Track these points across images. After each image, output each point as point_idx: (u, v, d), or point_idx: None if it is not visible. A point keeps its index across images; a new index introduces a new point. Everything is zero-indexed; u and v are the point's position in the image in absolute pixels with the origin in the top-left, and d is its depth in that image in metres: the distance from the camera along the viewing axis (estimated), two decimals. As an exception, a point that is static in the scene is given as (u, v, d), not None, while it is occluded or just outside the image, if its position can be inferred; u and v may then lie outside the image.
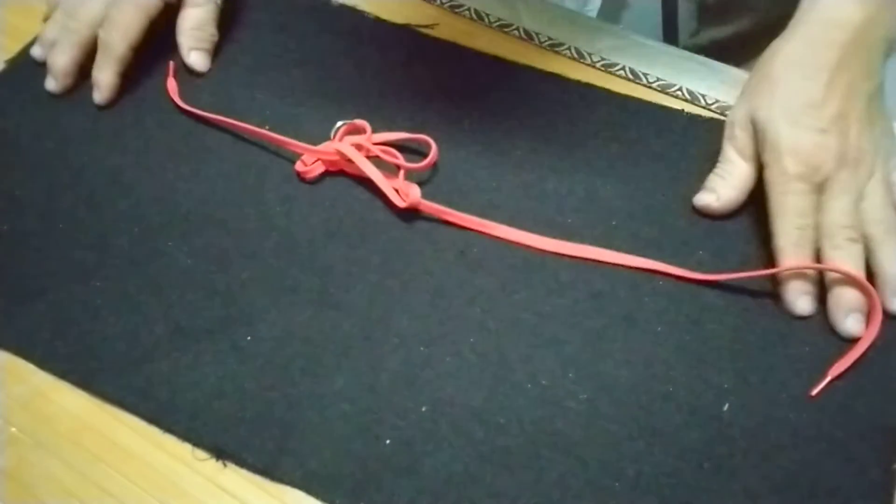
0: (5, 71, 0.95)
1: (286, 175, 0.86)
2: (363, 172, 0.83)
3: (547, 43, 0.95)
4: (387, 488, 0.69)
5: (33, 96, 0.92)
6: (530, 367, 0.74)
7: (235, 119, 0.88)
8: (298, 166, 0.84)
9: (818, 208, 0.77)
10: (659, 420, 0.71)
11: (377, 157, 0.83)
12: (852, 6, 0.78)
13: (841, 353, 0.74)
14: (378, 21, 0.98)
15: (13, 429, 0.73)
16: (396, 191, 0.82)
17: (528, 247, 0.80)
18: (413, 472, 0.69)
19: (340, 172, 0.85)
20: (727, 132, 0.83)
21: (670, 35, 1.15)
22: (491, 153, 0.86)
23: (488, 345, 0.75)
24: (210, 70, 0.94)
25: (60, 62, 0.90)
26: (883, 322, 0.74)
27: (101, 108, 0.90)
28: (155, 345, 0.76)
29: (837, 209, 0.76)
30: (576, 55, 0.94)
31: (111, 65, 0.89)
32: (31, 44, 0.96)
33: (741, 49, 1.02)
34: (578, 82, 0.92)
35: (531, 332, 0.76)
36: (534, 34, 0.96)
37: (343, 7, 0.99)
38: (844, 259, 0.75)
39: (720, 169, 0.82)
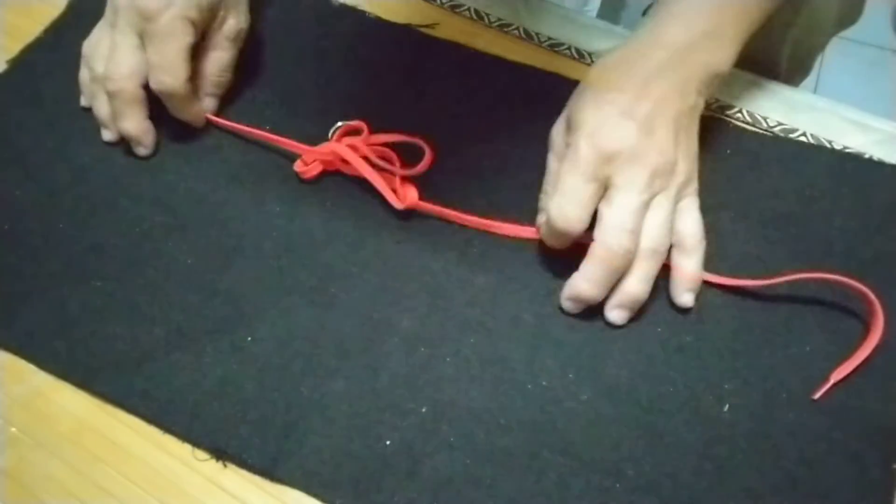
0: (6, 71, 0.95)
1: (286, 175, 0.86)
2: (360, 173, 0.83)
3: (547, 43, 0.95)
4: (387, 489, 0.69)
5: (33, 96, 0.92)
6: (530, 367, 0.74)
7: (234, 119, 0.88)
8: (297, 166, 0.85)
9: (604, 202, 0.76)
10: (659, 420, 0.71)
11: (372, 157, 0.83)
12: (676, 29, 0.79)
13: (841, 354, 0.74)
14: (378, 21, 0.97)
15: (13, 429, 0.73)
16: (394, 191, 0.82)
17: (529, 240, 0.81)
18: (413, 472, 0.70)
19: (338, 172, 0.85)
20: (549, 144, 0.84)
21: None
22: (491, 153, 0.86)
23: (488, 345, 0.75)
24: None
25: (132, 127, 0.86)
26: (884, 325, 0.74)
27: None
28: (155, 345, 0.76)
29: (622, 206, 0.74)
30: (576, 55, 0.94)
31: (189, 103, 0.87)
32: (32, 44, 0.97)
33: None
34: (578, 82, 0.91)
35: (531, 332, 0.76)
36: (534, 34, 0.96)
37: (343, 7, 0.98)
38: (603, 261, 0.75)
39: (544, 184, 0.82)
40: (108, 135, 0.89)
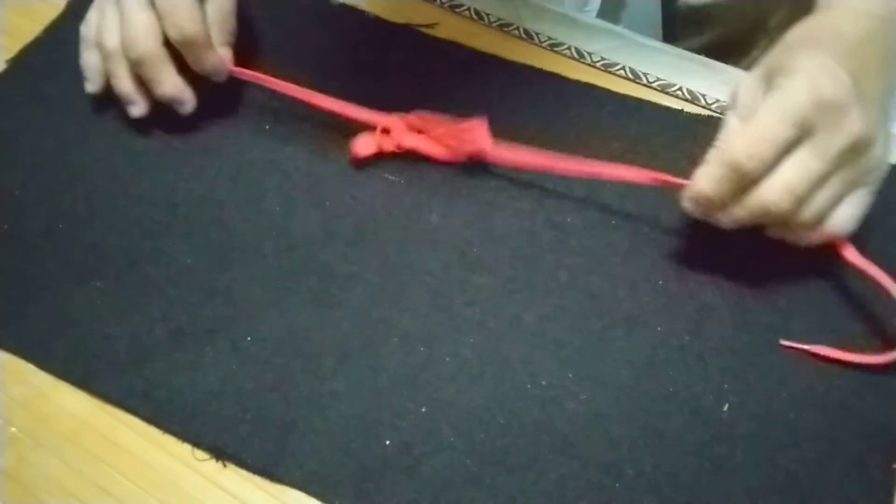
0: (6, 71, 0.95)
1: (286, 175, 0.86)
2: (422, 147, 0.85)
3: (547, 43, 0.95)
4: (387, 489, 0.69)
5: (33, 96, 0.92)
6: (530, 367, 0.74)
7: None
8: (355, 146, 0.85)
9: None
10: (659, 420, 0.72)
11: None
12: (873, 1, 0.74)
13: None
14: (378, 20, 0.97)
15: (13, 429, 0.73)
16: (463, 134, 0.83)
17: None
18: (413, 472, 0.70)
19: (391, 154, 0.86)
20: (729, 103, 0.77)
21: (670, 35, 1.15)
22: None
23: (488, 345, 0.75)
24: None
25: (171, 89, 0.85)
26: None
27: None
28: (155, 345, 0.76)
29: (803, 165, 0.69)
30: (576, 55, 0.94)
31: (206, 50, 0.85)
32: (32, 44, 0.97)
33: (715, 59, 1.00)
34: (578, 82, 0.92)
35: (531, 332, 0.76)
36: (534, 34, 0.96)
37: (343, 6, 0.98)
38: (757, 206, 0.71)
39: (717, 142, 0.75)
40: (137, 110, 0.87)
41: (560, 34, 0.96)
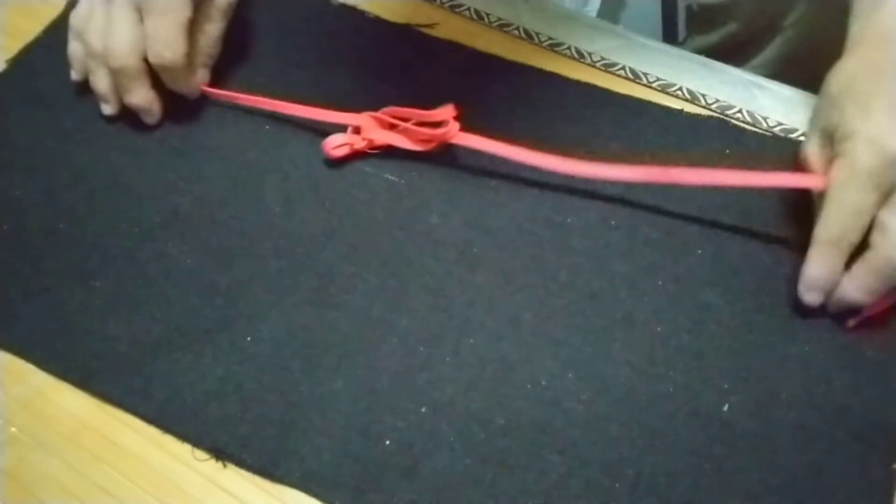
0: (5, 71, 0.95)
1: (286, 175, 0.86)
2: (391, 141, 0.85)
3: (547, 43, 0.95)
4: (386, 489, 0.69)
5: (33, 96, 0.92)
6: (530, 367, 0.74)
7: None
8: (326, 145, 0.85)
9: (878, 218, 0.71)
10: (659, 420, 0.71)
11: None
12: None
13: (842, 353, 0.74)
14: (378, 20, 0.97)
15: (13, 429, 0.73)
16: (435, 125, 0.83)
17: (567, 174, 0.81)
18: (413, 473, 0.70)
19: (366, 151, 0.87)
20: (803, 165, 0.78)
21: (670, 35, 1.15)
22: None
23: (488, 345, 0.75)
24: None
25: (140, 100, 0.87)
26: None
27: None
28: (155, 345, 0.76)
29: None
30: (576, 55, 0.94)
31: (186, 76, 0.87)
32: (32, 44, 0.97)
33: (727, 57, 1.01)
34: (578, 82, 0.91)
35: (531, 332, 0.76)
36: (534, 34, 0.96)
37: (343, 7, 0.98)
38: (869, 280, 0.72)
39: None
40: (108, 108, 0.89)
41: (560, 34, 0.95)
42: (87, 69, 0.89)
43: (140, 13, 0.83)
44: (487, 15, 0.97)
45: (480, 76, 0.92)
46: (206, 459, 0.71)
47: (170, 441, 0.72)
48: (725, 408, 0.72)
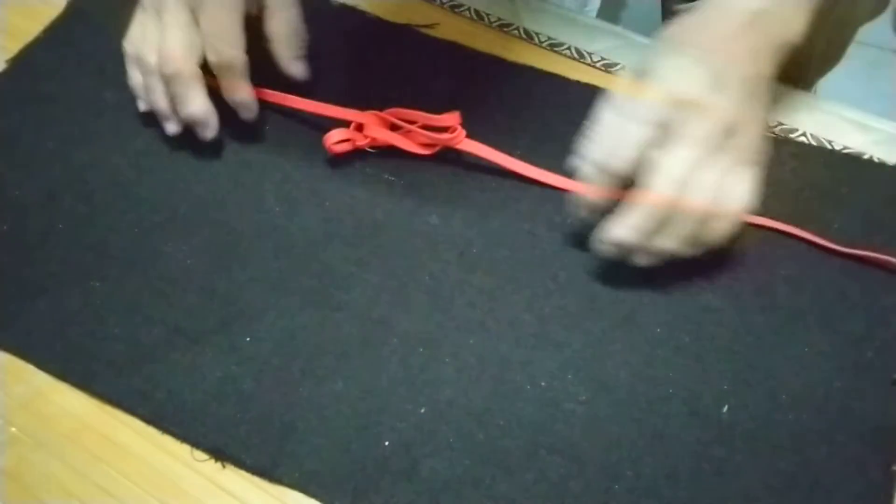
0: (6, 71, 0.95)
1: (286, 175, 0.86)
2: (394, 141, 0.85)
3: (547, 43, 0.95)
4: (386, 490, 0.69)
5: (33, 96, 0.92)
6: (529, 368, 0.74)
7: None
8: (327, 140, 0.85)
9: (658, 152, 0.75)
10: (658, 421, 0.72)
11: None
12: None
13: (841, 354, 0.74)
14: (378, 21, 0.98)
15: (13, 429, 0.73)
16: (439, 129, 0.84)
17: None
18: (412, 473, 0.70)
19: (366, 149, 0.86)
20: (610, 99, 0.80)
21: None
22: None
23: (487, 346, 0.75)
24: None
25: (197, 109, 0.84)
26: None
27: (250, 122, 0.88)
28: (154, 345, 0.76)
29: (678, 156, 0.74)
30: (576, 55, 0.94)
31: (241, 79, 0.85)
32: (32, 44, 0.97)
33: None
34: (578, 82, 0.92)
35: (530, 333, 0.76)
36: (534, 34, 0.96)
37: (343, 7, 0.99)
38: (640, 209, 0.74)
39: (591, 134, 0.79)
40: (172, 127, 0.86)
41: (560, 34, 0.96)
42: (146, 88, 0.86)
43: (194, 14, 0.82)
44: (487, 15, 0.97)
45: (480, 76, 0.92)
46: (205, 460, 0.71)
47: (170, 441, 0.72)
48: (725, 409, 0.72)
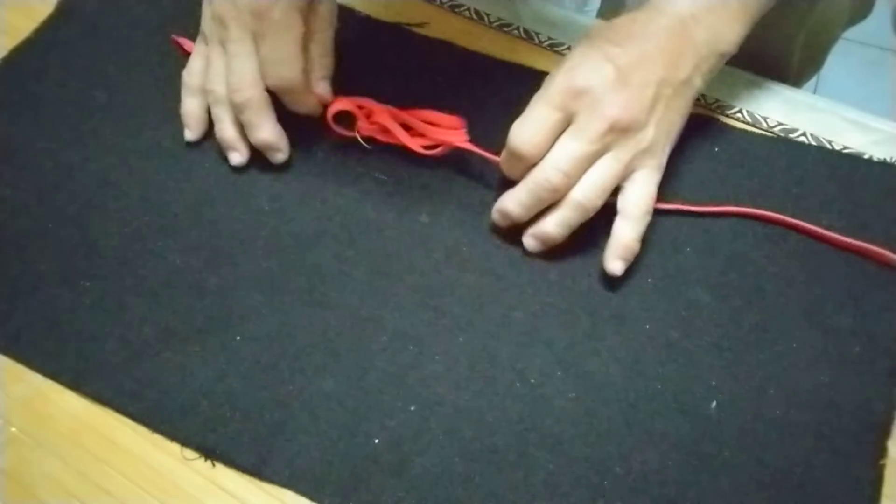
0: (-1, 71, 0.96)
1: (276, 175, 0.86)
2: (399, 135, 0.85)
3: (547, 43, 0.95)
4: (375, 487, 0.69)
5: (25, 96, 0.93)
6: (519, 365, 0.74)
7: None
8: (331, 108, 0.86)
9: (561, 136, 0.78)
10: (647, 418, 0.72)
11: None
12: (683, 1, 0.80)
13: (828, 350, 0.75)
14: (370, 19, 0.98)
15: (13, 429, 0.74)
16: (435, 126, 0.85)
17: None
18: (402, 470, 0.70)
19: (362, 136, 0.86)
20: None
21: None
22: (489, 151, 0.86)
23: (477, 344, 0.76)
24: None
25: (268, 136, 0.85)
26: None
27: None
28: (144, 345, 0.76)
29: (567, 148, 0.77)
30: (575, 55, 0.94)
31: (304, 98, 0.86)
32: (22, 44, 0.97)
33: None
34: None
35: (520, 330, 0.76)
36: (534, 34, 0.96)
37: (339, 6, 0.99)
38: (532, 192, 0.78)
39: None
40: (237, 157, 0.87)
41: (560, 34, 0.96)
42: (214, 119, 0.87)
43: (255, 42, 0.83)
44: (487, 15, 0.97)
45: (478, 76, 0.93)
46: (195, 458, 0.72)
47: (169, 441, 0.73)
48: (713, 405, 0.72)
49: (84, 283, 0.80)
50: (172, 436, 0.73)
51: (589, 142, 0.76)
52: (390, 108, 0.85)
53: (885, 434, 0.71)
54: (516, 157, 0.78)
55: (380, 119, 0.85)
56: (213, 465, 0.71)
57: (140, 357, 0.76)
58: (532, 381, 0.74)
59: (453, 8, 0.99)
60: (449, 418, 0.72)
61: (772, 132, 0.87)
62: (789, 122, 0.88)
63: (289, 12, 0.81)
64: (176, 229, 0.83)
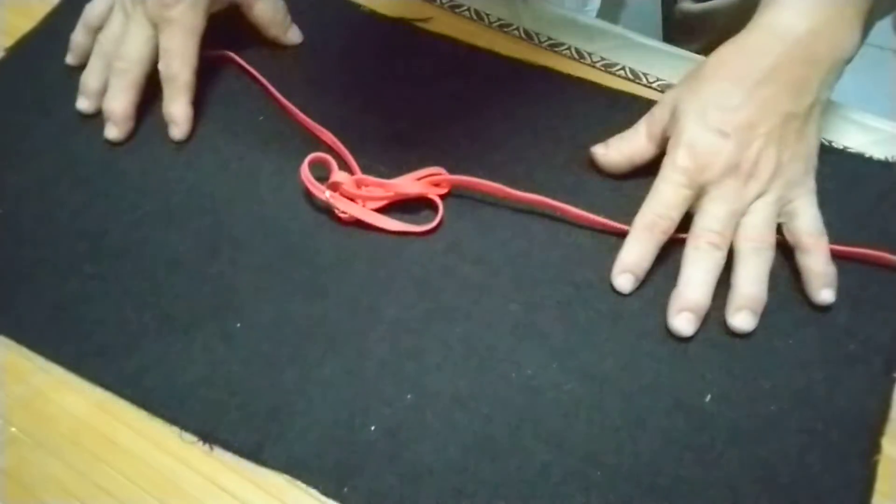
0: (3, 59, 0.97)
1: (277, 165, 0.87)
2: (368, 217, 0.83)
3: (547, 43, 0.96)
4: (371, 475, 0.69)
5: (30, 85, 0.94)
6: (515, 357, 0.75)
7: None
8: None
9: (697, 209, 0.78)
10: (641, 410, 0.72)
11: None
12: (796, 16, 0.77)
13: (823, 347, 0.75)
14: (373, 14, 0.99)
15: (13, 429, 0.74)
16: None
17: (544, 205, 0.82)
18: (397, 459, 0.70)
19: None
20: (651, 109, 0.84)
21: (670, 36, 1.15)
22: (489, 152, 0.87)
23: (474, 335, 0.76)
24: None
25: (119, 108, 0.88)
26: None
27: (179, 142, 0.89)
28: (145, 331, 0.77)
29: (710, 213, 0.77)
30: (576, 55, 0.94)
31: (182, 95, 0.88)
32: (29, 34, 0.99)
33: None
34: (579, 81, 0.92)
35: (517, 322, 0.76)
36: (534, 34, 0.96)
37: (339, 1, 1.00)
38: (699, 261, 0.76)
39: (625, 133, 0.84)
40: (85, 104, 0.91)
41: (560, 34, 0.96)
42: (90, 63, 0.91)
43: (157, 27, 0.87)
44: (487, 15, 0.98)
45: (478, 76, 0.93)
46: (193, 441, 0.72)
47: (170, 440, 0.73)
48: (708, 399, 0.72)
49: (85, 269, 0.81)
50: (171, 420, 0.73)
51: (730, 203, 0.77)
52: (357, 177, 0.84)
53: (879, 431, 0.71)
54: (653, 232, 0.78)
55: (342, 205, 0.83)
56: (211, 448, 0.72)
57: (140, 342, 0.76)
58: (528, 372, 0.74)
59: (453, 8, 0.99)
60: (445, 408, 0.72)
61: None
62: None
63: (192, 10, 0.86)
64: (178, 218, 0.83)
